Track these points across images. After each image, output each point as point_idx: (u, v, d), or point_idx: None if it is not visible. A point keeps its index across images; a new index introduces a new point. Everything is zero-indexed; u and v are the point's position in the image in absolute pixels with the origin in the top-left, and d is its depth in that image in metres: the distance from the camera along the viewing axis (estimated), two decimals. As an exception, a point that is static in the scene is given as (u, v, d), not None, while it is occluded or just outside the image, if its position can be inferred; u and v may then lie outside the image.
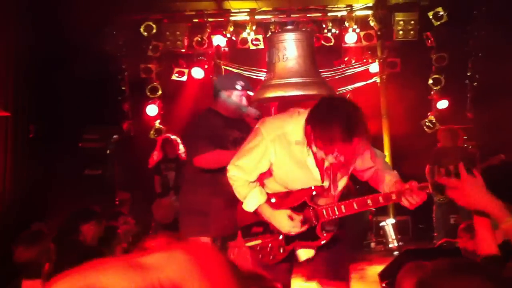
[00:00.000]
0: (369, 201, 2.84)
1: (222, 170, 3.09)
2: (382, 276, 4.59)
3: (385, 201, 2.88)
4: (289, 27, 7.36)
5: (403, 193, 2.85)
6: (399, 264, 4.43)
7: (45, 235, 2.91)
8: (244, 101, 3.82)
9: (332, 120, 2.58)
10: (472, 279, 1.20)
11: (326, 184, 2.91)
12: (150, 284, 0.54)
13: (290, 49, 6.41)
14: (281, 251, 2.91)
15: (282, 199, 2.93)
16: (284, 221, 2.83)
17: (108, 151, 6.85)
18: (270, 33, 8.06)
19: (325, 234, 2.88)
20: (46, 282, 2.69)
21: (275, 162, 2.89)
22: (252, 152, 2.91)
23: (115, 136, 6.99)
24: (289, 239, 2.90)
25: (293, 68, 6.24)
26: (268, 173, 2.96)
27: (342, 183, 2.97)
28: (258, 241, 2.94)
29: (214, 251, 0.59)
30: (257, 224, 2.95)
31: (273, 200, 2.93)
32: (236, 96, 3.80)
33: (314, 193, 2.89)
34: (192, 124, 4.05)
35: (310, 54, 6.48)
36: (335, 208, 2.86)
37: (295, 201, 2.90)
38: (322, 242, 2.88)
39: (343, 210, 2.85)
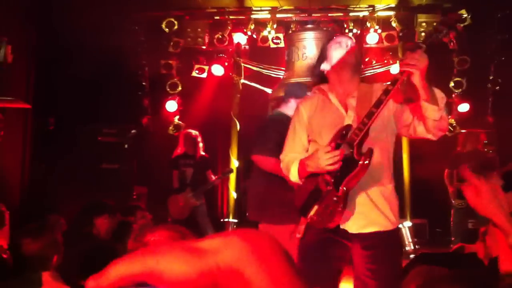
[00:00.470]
0: (381, 97, 2.81)
1: None
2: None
3: (393, 84, 2.86)
4: (309, 26, 7.34)
5: (403, 62, 2.83)
6: (412, 267, 4.41)
7: (53, 227, 2.92)
8: None
9: None
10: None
11: (350, 116, 2.94)
12: (208, 267, 0.55)
13: (309, 48, 6.41)
14: (335, 200, 2.82)
15: None
16: (320, 155, 2.79)
17: (126, 146, 6.89)
18: (290, 32, 8.05)
19: (362, 157, 2.79)
20: (55, 274, 2.72)
21: (308, 119, 3.03)
22: (290, 128, 3.10)
23: (133, 131, 7.05)
24: (337, 182, 2.82)
25: (308, 67, 6.23)
26: (309, 142, 3.06)
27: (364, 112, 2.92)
28: (315, 208, 2.87)
29: (271, 239, 0.59)
30: (309, 198, 2.91)
31: None
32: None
33: (344, 131, 2.87)
34: (263, 126, 4.31)
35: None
36: (360, 125, 2.79)
37: (330, 148, 2.86)
38: (363, 162, 2.78)
39: (367, 121, 2.78)
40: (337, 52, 3.02)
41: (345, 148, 2.81)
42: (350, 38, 3.24)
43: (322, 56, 3.10)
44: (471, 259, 3.55)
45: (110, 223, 3.67)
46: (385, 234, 2.87)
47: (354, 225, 2.86)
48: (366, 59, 8.84)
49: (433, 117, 2.81)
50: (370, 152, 2.78)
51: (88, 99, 7.44)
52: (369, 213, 2.86)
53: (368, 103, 2.91)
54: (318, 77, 3.11)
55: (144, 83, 8.54)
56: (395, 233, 2.99)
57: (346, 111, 2.98)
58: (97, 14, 7.12)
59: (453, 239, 7.13)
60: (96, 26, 6.99)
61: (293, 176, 2.97)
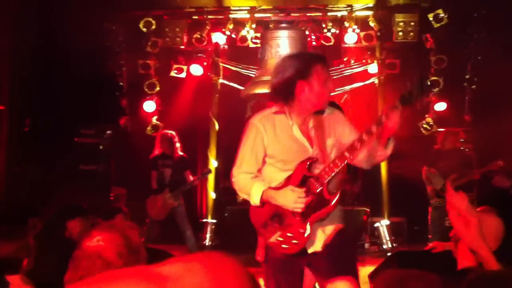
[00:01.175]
0: (355, 143, 2.88)
1: None
2: (372, 277, 4.59)
3: (369, 135, 2.91)
4: (283, 24, 7.35)
5: (380, 121, 2.96)
6: (388, 265, 4.43)
7: (24, 230, 2.88)
8: None
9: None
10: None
11: (315, 150, 3.02)
12: None
13: (282, 46, 6.41)
14: (302, 231, 2.92)
15: (284, 184, 2.99)
16: (289, 195, 2.88)
17: (101, 147, 6.83)
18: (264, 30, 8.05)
19: (332, 195, 2.95)
20: (25, 278, 2.68)
21: (268, 142, 3.01)
22: (246, 144, 3.05)
23: (108, 132, 6.99)
24: (305, 215, 2.93)
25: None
26: (264, 162, 3.06)
27: (329, 142, 3.07)
28: (278, 233, 2.96)
29: (234, 265, 0.57)
30: (272, 219, 2.98)
31: (273, 185, 3.00)
32: None
33: (308, 163, 2.96)
34: None
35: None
36: (331, 165, 2.92)
37: (296, 180, 2.96)
38: (333, 202, 2.94)
39: (338, 163, 2.90)
40: (321, 70, 3.00)
41: (313, 184, 2.93)
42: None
43: (301, 67, 2.98)
44: (445, 257, 3.58)
45: (83, 226, 3.62)
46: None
47: (319, 243, 3.01)
48: (345, 59, 8.89)
49: (379, 160, 3.13)
50: (339, 194, 2.96)
51: (65, 100, 7.36)
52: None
53: (322, 133, 3.04)
54: (285, 90, 2.98)
55: (122, 83, 8.48)
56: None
57: (310, 141, 3.03)
58: (75, 13, 7.06)
59: (430, 236, 7.19)
60: (74, 25, 6.92)
61: (254, 199, 2.97)
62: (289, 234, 2.93)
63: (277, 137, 3.01)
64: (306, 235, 2.92)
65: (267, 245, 3.01)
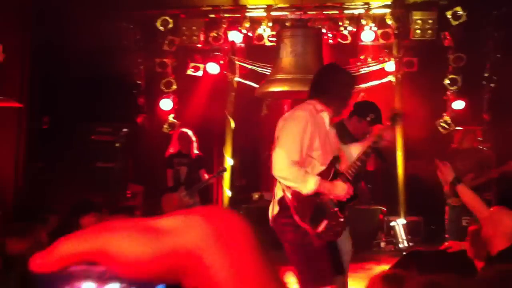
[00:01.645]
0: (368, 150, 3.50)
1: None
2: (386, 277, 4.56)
3: (366, 157, 3.52)
4: (298, 23, 7.34)
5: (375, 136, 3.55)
6: (403, 265, 4.41)
7: (37, 227, 2.91)
8: (367, 132, 4.31)
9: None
10: None
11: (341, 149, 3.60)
12: (165, 250, 0.50)
13: (297, 44, 6.39)
14: (342, 221, 3.38)
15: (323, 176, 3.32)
16: (342, 187, 3.31)
17: (117, 144, 6.89)
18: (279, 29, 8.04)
19: (357, 192, 3.54)
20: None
21: (315, 136, 3.29)
22: (297, 136, 3.24)
23: (124, 130, 7.04)
24: (341, 207, 3.39)
25: (298, 63, 6.22)
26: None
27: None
28: (324, 223, 3.29)
29: (241, 222, 0.53)
30: (316, 211, 3.28)
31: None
32: (365, 124, 4.34)
33: (333, 161, 3.40)
34: None
35: (317, 51, 6.46)
36: (353, 164, 3.47)
37: (329, 174, 3.36)
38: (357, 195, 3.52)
39: (364, 158, 3.48)
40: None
41: (342, 179, 3.39)
42: None
43: (351, 81, 3.61)
44: (460, 257, 3.57)
45: (97, 222, 3.65)
46: None
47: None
48: (362, 57, 8.83)
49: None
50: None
51: (83, 98, 7.45)
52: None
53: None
54: (342, 95, 3.49)
55: (139, 82, 8.54)
56: None
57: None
58: (93, 13, 7.14)
59: (447, 236, 7.12)
60: (92, 25, 7.00)
61: (307, 189, 3.18)
62: (333, 223, 3.32)
63: (321, 133, 3.32)
64: (343, 226, 3.42)
65: (315, 234, 3.26)
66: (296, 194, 3.22)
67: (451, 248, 3.82)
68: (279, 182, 3.29)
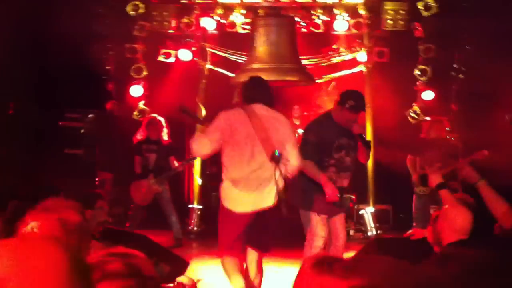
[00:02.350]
0: None
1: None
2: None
3: None
4: (271, 11, 7.31)
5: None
6: (367, 251, 4.48)
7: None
8: (350, 119, 4.57)
9: None
10: None
11: None
12: None
13: (271, 34, 6.39)
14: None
15: None
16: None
17: (82, 130, 6.78)
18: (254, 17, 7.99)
19: None
20: None
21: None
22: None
23: (90, 115, 6.93)
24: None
25: (273, 53, 6.23)
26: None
27: None
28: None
29: (51, 252, 0.53)
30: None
31: None
32: (346, 112, 4.54)
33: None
34: (308, 126, 5.03)
35: (291, 40, 6.48)
36: None
37: None
38: None
39: None
40: None
41: None
42: None
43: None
44: (421, 243, 3.64)
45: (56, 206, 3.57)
46: None
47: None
48: (334, 46, 8.85)
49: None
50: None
51: (52, 84, 7.30)
52: None
53: None
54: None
55: (109, 68, 8.41)
56: None
57: None
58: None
59: (414, 224, 7.24)
60: (61, 9, 6.85)
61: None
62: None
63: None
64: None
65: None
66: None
67: (414, 236, 3.90)
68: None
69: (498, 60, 7.91)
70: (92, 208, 3.58)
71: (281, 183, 3.91)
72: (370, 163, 8.31)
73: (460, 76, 8.59)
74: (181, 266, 4.39)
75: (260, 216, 3.98)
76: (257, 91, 4.20)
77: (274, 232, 4.37)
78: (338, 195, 4.47)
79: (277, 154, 3.87)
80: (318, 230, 4.56)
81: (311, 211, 4.57)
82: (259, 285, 4.17)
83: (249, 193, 3.99)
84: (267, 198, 3.96)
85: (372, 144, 8.17)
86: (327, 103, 8.62)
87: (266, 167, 3.94)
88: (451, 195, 3.48)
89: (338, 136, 4.58)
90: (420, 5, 8.17)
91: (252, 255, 4.11)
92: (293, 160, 4.03)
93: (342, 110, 4.53)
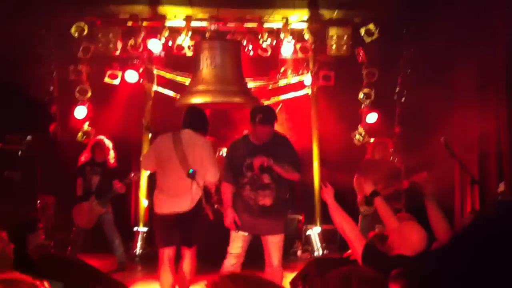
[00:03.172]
0: None
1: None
2: (292, 283, 4.65)
3: None
4: (216, 35, 7.40)
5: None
6: (307, 272, 4.50)
7: None
8: (264, 133, 4.68)
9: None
10: None
11: None
12: None
13: (217, 56, 6.46)
14: None
15: None
16: None
17: (19, 153, 6.59)
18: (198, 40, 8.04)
19: None
20: None
21: None
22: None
23: (28, 138, 6.74)
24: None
25: (218, 75, 6.28)
26: None
27: None
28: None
29: None
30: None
31: None
32: (258, 127, 4.65)
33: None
34: (228, 149, 5.23)
35: (236, 63, 6.55)
36: None
37: None
38: None
39: None
40: None
41: None
42: None
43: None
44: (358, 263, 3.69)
45: None
46: None
47: None
48: (282, 69, 9.00)
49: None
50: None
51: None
52: None
53: None
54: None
55: (51, 89, 8.23)
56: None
57: None
58: (5, 17, 6.84)
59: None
60: (3, 29, 6.70)
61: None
62: None
63: None
64: None
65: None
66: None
67: (352, 256, 3.94)
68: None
69: (437, 84, 8.24)
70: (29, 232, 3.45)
71: (199, 194, 4.72)
72: (316, 184, 8.42)
73: (402, 99, 8.86)
74: (119, 290, 4.28)
75: (182, 219, 4.74)
76: (189, 119, 4.99)
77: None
78: (236, 223, 4.70)
79: (190, 171, 4.61)
80: (232, 247, 4.76)
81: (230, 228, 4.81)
82: (189, 275, 4.87)
83: (168, 199, 4.79)
84: (183, 204, 4.71)
85: (317, 165, 8.42)
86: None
87: (182, 181, 4.68)
88: (385, 203, 3.57)
89: (249, 154, 4.70)
90: (362, 31, 8.43)
91: (184, 251, 4.91)
92: (209, 176, 4.81)
93: (254, 126, 4.66)
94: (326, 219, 8.29)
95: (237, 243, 4.73)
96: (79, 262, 4.48)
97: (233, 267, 4.63)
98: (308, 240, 8.11)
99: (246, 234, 4.72)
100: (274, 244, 4.77)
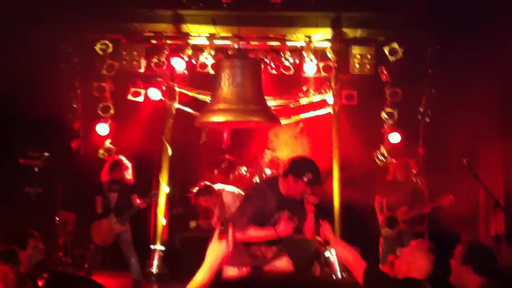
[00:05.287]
0: None
1: None
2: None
3: None
4: (237, 53, 7.39)
5: None
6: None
7: None
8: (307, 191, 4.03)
9: None
10: None
11: None
12: None
13: (237, 75, 6.42)
14: None
15: None
16: None
17: (36, 169, 6.66)
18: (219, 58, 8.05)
19: None
20: None
21: None
22: None
23: (46, 154, 6.82)
24: None
25: (239, 94, 6.24)
26: None
27: None
28: None
29: None
30: None
31: None
32: (301, 185, 4.01)
33: None
34: (248, 194, 4.62)
35: (257, 82, 6.51)
36: None
37: None
38: None
39: None
40: None
41: None
42: None
43: None
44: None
45: None
46: None
47: None
48: (304, 88, 8.95)
49: None
50: None
51: (16, 120, 7.21)
52: None
53: None
54: None
55: (75, 106, 8.35)
56: None
57: None
58: (30, 33, 6.98)
59: (381, 266, 7.17)
60: (29, 45, 6.83)
61: None
62: None
63: None
64: None
65: None
66: None
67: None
68: None
69: (462, 105, 8.09)
70: (24, 249, 3.45)
71: None
72: (336, 205, 8.30)
73: (427, 119, 8.70)
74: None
75: None
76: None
77: None
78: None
79: None
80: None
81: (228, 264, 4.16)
82: None
83: None
84: None
85: (338, 185, 8.30)
86: (280, 146, 8.71)
87: None
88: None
89: (279, 209, 4.10)
90: (386, 50, 8.33)
91: None
92: None
93: (297, 182, 4.02)
94: (346, 240, 8.13)
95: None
96: (89, 282, 4.47)
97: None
98: (327, 262, 7.97)
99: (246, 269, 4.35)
100: (282, 265, 4.38)
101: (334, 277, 7.77)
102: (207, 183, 6.60)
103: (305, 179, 3.97)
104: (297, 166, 4.11)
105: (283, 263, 4.40)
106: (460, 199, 7.11)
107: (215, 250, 2.24)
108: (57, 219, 7.11)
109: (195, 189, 6.46)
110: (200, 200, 6.43)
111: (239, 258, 4.06)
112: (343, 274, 7.76)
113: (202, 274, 2.23)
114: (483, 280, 3.05)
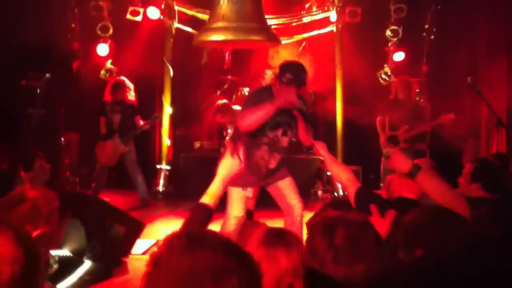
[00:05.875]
0: None
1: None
2: (309, 225, 4.65)
3: None
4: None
5: None
6: (324, 211, 4.51)
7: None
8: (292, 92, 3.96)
9: None
10: None
11: None
12: None
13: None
14: None
15: None
16: None
17: (38, 90, 6.62)
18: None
19: None
20: None
21: None
22: None
23: (47, 75, 6.75)
24: None
25: (238, 11, 6.05)
26: None
27: None
28: None
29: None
30: None
31: None
32: (284, 86, 4.01)
33: None
34: (247, 98, 4.76)
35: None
36: None
37: None
38: None
39: None
40: None
41: None
42: None
43: None
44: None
45: None
46: None
47: None
48: (306, 5, 8.71)
49: None
50: None
51: (14, 43, 7.08)
52: None
53: None
54: None
55: (73, 25, 8.17)
56: None
57: None
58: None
59: (382, 185, 7.30)
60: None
61: None
62: None
63: None
64: None
65: None
66: None
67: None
68: None
69: (469, 21, 7.91)
70: (30, 169, 3.50)
71: None
72: (339, 124, 8.33)
73: (432, 37, 8.55)
74: (137, 228, 4.38)
75: None
76: None
77: None
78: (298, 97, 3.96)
79: None
80: (234, 208, 4.23)
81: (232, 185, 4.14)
82: None
83: None
84: None
85: (340, 105, 8.28)
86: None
87: None
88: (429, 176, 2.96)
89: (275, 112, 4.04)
90: (391, -36, 8.04)
91: None
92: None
93: (281, 84, 4.04)
94: (348, 159, 8.27)
95: (240, 204, 4.25)
96: (96, 200, 4.58)
97: (234, 232, 4.16)
98: (329, 181, 8.12)
99: (250, 195, 4.34)
100: (285, 185, 4.42)
101: (335, 195, 7.95)
102: (225, 101, 6.79)
103: (284, 79, 4.01)
104: (280, 69, 4.16)
105: (286, 183, 4.43)
106: (462, 117, 7.14)
107: (228, 165, 2.40)
108: (62, 139, 7.17)
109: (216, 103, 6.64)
110: (218, 116, 6.58)
111: (242, 178, 4.00)
112: (345, 192, 7.91)
113: (216, 186, 2.54)
114: (491, 197, 3.08)
